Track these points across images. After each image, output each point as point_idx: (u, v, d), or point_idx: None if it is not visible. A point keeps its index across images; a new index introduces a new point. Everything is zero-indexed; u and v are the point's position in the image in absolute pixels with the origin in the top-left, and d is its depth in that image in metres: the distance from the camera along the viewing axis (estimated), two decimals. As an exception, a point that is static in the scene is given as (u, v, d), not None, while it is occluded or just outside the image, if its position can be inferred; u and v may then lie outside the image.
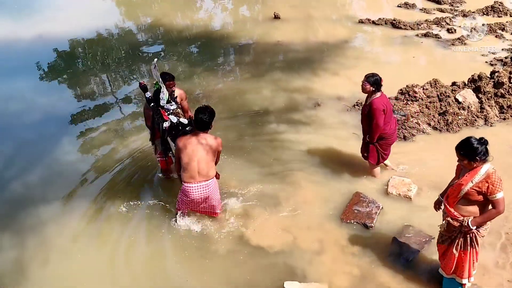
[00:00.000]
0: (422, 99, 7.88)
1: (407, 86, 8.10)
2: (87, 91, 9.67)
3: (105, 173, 6.81)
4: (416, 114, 7.59)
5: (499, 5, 12.86)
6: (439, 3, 13.59)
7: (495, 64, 9.53)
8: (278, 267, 5.05)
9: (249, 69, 10.09)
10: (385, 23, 12.12)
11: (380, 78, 5.82)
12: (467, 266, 4.27)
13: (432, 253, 4.97)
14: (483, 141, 3.86)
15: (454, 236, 4.20)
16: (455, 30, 11.52)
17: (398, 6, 13.52)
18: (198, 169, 5.13)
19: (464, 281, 4.37)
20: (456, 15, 12.58)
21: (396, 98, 8.04)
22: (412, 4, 13.44)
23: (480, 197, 3.91)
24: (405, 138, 7.16)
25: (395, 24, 11.95)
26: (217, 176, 5.53)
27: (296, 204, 5.98)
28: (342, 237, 5.40)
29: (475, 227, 4.00)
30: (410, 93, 7.96)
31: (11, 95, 9.37)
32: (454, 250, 4.24)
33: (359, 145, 6.65)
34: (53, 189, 6.57)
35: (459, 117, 7.46)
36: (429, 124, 7.42)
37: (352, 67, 9.88)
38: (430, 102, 7.78)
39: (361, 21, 12.33)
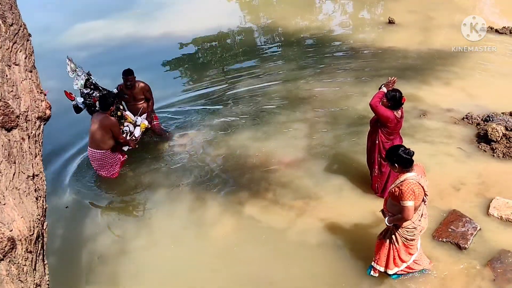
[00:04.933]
0: (541, 117, 7.26)
1: (525, 101, 7.52)
2: (204, 86, 10.28)
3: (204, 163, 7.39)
4: (533, 132, 7.01)
5: None
6: None
7: None
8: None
9: (356, 73, 9.98)
10: (510, 32, 11.23)
11: (400, 96, 5.43)
12: (383, 255, 4.76)
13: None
14: (407, 152, 4.32)
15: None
16: None
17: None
18: (92, 139, 6.65)
19: (374, 264, 4.90)
20: None
21: (511, 114, 7.49)
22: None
23: (397, 200, 4.34)
24: (516, 157, 6.67)
25: (522, 34, 11.02)
26: (118, 150, 6.97)
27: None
28: (431, 255, 5.21)
29: (391, 224, 4.53)
30: (528, 110, 7.38)
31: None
32: (377, 237, 4.89)
33: (462, 160, 6.39)
34: (162, 176, 7.19)
35: None
36: (546, 145, 6.82)
37: (466, 78, 9.35)
38: (550, 121, 7.16)
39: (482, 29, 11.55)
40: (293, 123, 8.24)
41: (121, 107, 7.33)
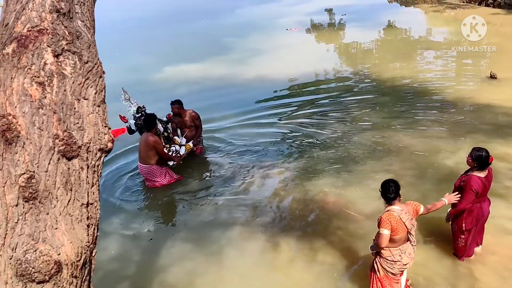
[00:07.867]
0: None
1: None
2: (290, 128, 10.41)
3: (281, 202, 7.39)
4: None
5: None
6: None
7: None
8: None
9: (450, 127, 9.53)
10: None
11: (487, 156, 5.06)
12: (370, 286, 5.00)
13: None
14: (392, 187, 4.62)
15: None
16: None
17: None
18: (140, 155, 7.82)
19: None
20: None
21: None
22: None
23: (378, 227, 4.66)
24: None
25: None
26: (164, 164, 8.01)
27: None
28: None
29: (373, 251, 4.91)
30: None
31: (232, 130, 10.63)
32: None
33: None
34: (238, 213, 7.30)
35: None
36: None
37: None
38: None
39: None
40: (377, 174, 7.96)
41: (169, 130, 8.70)
